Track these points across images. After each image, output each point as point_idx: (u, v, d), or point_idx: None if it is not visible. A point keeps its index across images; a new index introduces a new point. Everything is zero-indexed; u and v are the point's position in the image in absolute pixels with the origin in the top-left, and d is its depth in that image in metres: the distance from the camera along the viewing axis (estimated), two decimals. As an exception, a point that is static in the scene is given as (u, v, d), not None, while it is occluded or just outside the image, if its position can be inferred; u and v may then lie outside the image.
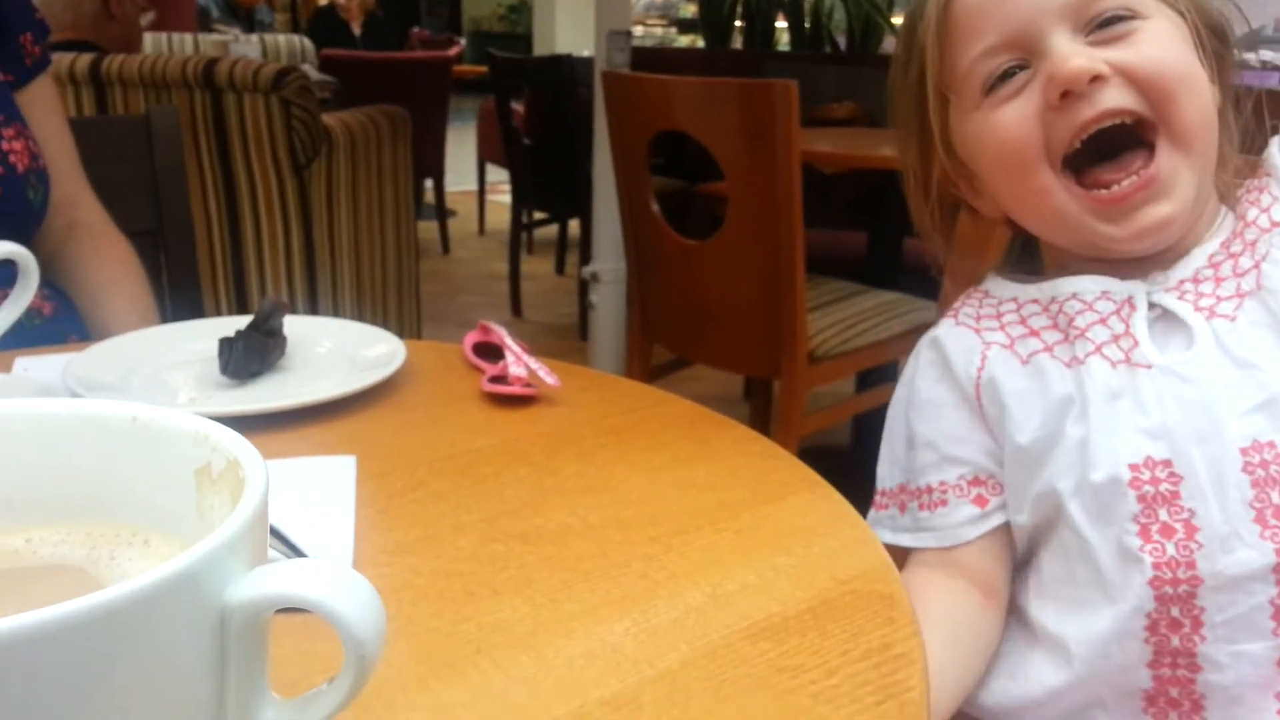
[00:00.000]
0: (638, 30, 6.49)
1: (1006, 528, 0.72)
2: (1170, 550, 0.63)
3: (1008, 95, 0.66)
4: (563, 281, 4.35)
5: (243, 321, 0.78)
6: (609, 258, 2.72)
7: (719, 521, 0.57)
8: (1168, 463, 0.63)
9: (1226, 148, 0.70)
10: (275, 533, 0.48)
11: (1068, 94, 0.63)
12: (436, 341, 0.89)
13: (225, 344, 0.74)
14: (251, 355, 0.75)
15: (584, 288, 2.96)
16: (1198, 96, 0.65)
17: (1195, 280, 0.67)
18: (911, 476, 0.74)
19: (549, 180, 3.71)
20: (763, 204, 1.71)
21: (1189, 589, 0.62)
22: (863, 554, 0.54)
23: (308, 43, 4.55)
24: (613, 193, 2.09)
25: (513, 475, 0.62)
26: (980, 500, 0.72)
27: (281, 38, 4.50)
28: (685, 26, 6.56)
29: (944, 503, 0.72)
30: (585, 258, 3.01)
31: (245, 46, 3.97)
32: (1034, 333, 0.70)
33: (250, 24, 5.65)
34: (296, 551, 0.49)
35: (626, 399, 0.76)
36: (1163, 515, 0.63)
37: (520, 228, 3.92)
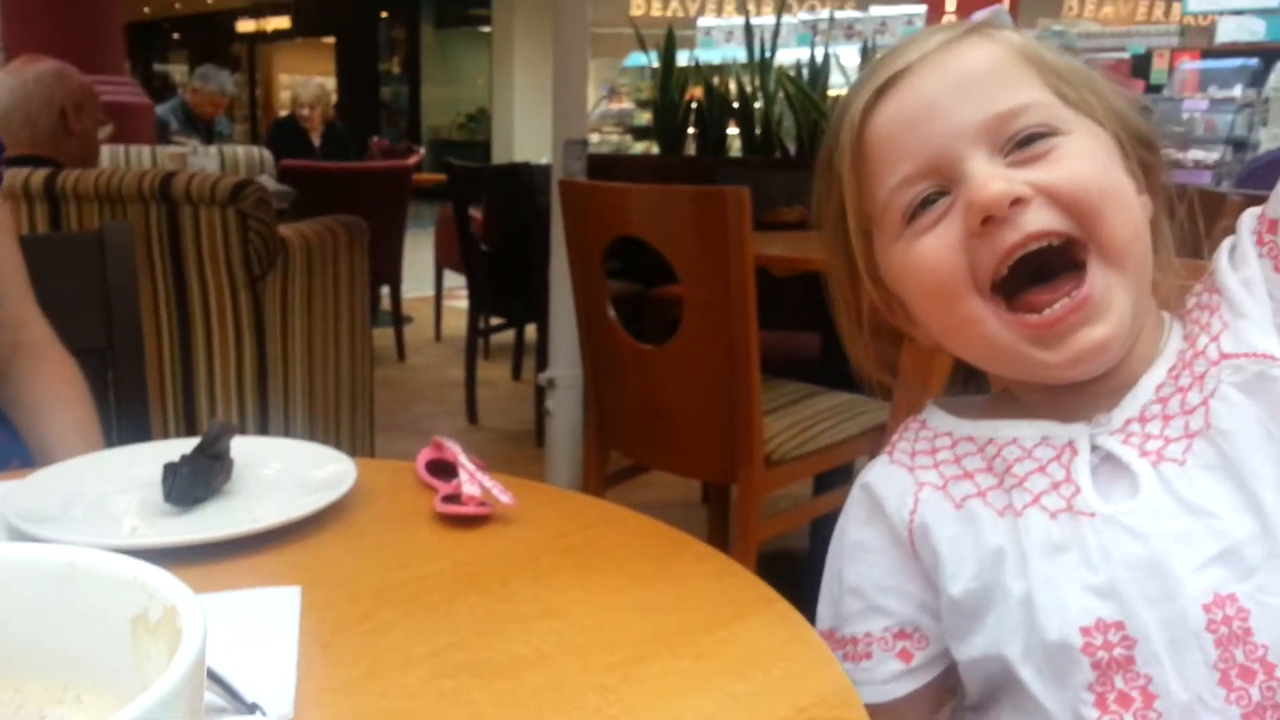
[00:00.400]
0: (594, 137, 6.63)
1: (931, 689, 0.69)
2: None
3: (929, 224, 0.63)
4: (519, 387, 4.33)
5: (189, 444, 0.76)
6: (565, 363, 2.72)
7: (676, 646, 0.56)
8: (1120, 625, 0.59)
9: (1165, 254, 0.68)
10: (213, 675, 0.46)
11: (989, 219, 0.60)
12: (389, 459, 0.87)
13: (169, 470, 0.73)
14: (196, 481, 0.73)
15: (540, 394, 2.96)
16: (1126, 210, 0.62)
17: (1142, 419, 0.63)
18: (840, 623, 0.71)
19: (506, 286, 3.73)
20: (718, 308, 1.73)
21: None
22: (822, 678, 0.53)
23: (266, 153, 4.58)
24: (569, 298, 2.11)
25: (464, 602, 0.61)
26: (905, 655, 0.69)
27: (240, 149, 4.54)
28: (640, 134, 6.72)
29: (868, 655, 0.69)
30: (542, 363, 3.01)
31: (203, 158, 3.99)
32: (968, 475, 0.67)
33: (209, 135, 5.68)
34: (234, 696, 0.47)
35: (582, 515, 0.75)
36: (1118, 683, 0.59)
37: (477, 334, 3.92)
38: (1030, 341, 0.62)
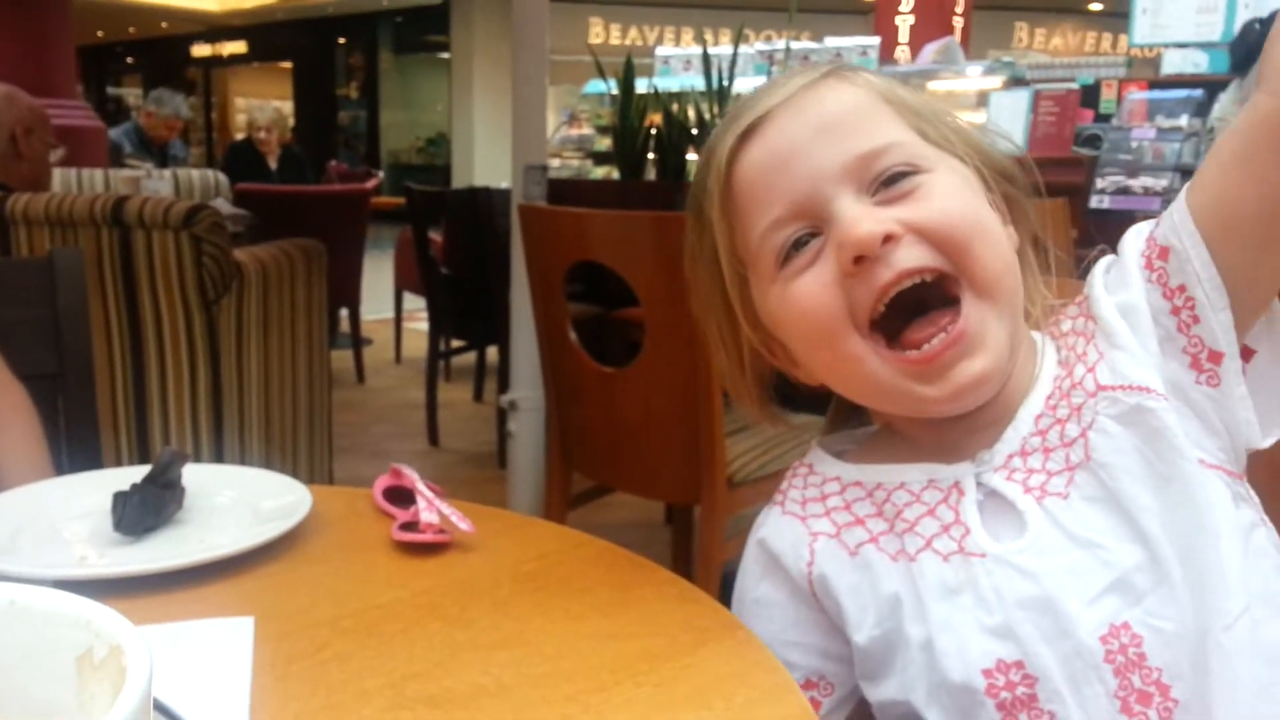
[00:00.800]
0: (554, 162, 6.64)
1: None
2: None
3: (803, 265, 0.63)
4: (481, 409, 4.30)
5: (140, 472, 0.75)
6: (527, 385, 2.71)
7: (638, 675, 0.55)
8: (1020, 664, 0.60)
9: (1032, 280, 0.68)
10: (163, 708, 0.45)
11: (862, 259, 0.60)
12: (347, 485, 0.86)
13: (119, 498, 0.71)
14: (146, 510, 0.71)
15: (502, 416, 2.94)
16: (994, 243, 0.62)
17: (1023, 453, 0.63)
18: None
19: (467, 308, 3.71)
20: (679, 331, 1.73)
21: None
22: (784, 704, 0.53)
23: (222, 177, 4.53)
24: (530, 321, 2.10)
25: (422, 632, 0.60)
26: (814, 703, 0.69)
27: (195, 173, 4.47)
28: (600, 159, 6.74)
29: None
30: (503, 385, 3.00)
31: (157, 182, 3.94)
32: (859, 521, 0.67)
33: (163, 159, 5.61)
34: (185, 732, 0.45)
35: (543, 542, 0.75)
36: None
37: (438, 355, 3.89)
38: (911, 377, 0.62)
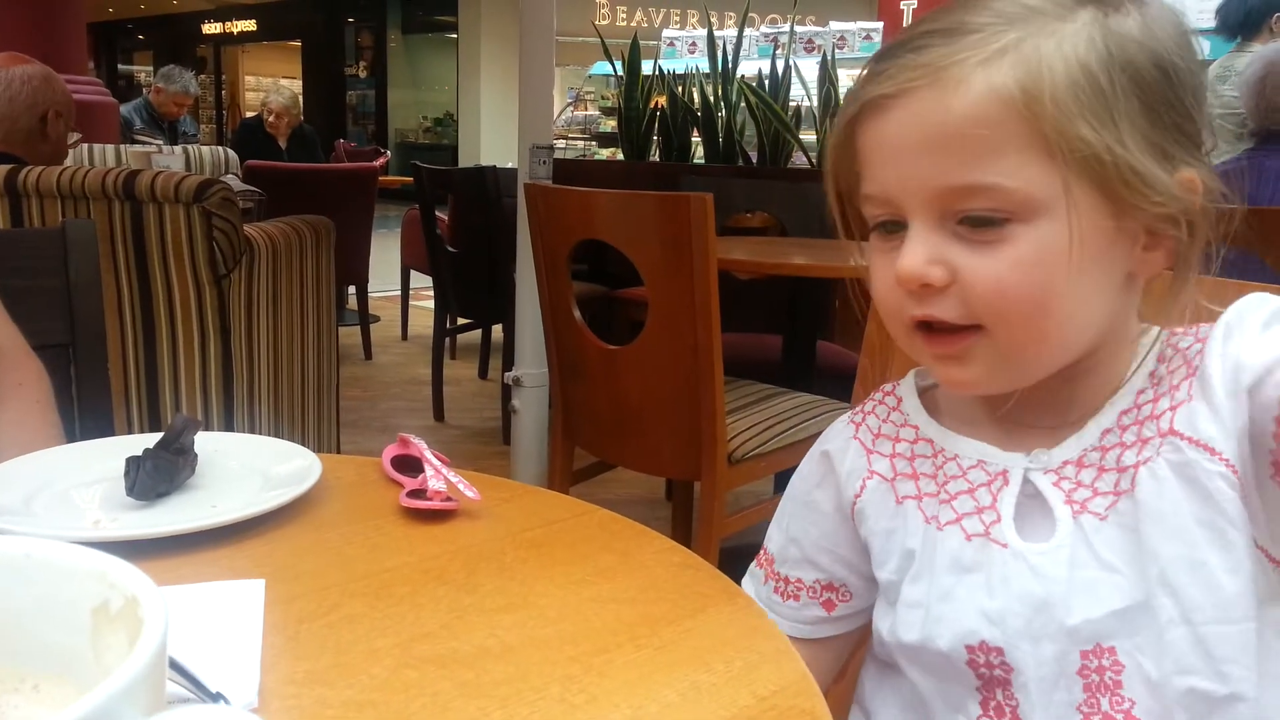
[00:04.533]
0: (559, 143, 6.62)
1: (849, 637, 0.77)
2: None
3: (885, 248, 0.64)
4: (486, 386, 4.33)
5: (153, 439, 0.76)
6: (531, 363, 2.73)
7: (640, 638, 0.57)
8: (1000, 650, 0.62)
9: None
10: (177, 666, 0.46)
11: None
12: (354, 455, 0.88)
13: (132, 464, 0.72)
14: (159, 475, 0.73)
15: (507, 392, 2.96)
16: (1036, 319, 0.59)
17: (1079, 464, 0.63)
18: (780, 558, 0.78)
19: (473, 286, 3.72)
20: (682, 309, 1.74)
21: None
22: (782, 668, 0.54)
23: (232, 154, 4.53)
24: (535, 299, 2.11)
25: (429, 595, 0.61)
26: (829, 604, 0.76)
27: (206, 149, 4.48)
28: (605, 140, 6.73)
29: (796, 597, 0.77)
30: (508, 362, 3.01)
31: (169, 158, 3.94)
32: (914, 476, 0.70)
33: (173, 135, 5.62)
34: (198, 685, 0.47)
35: (547, 510, 0.76)
36: (999, 695, 0.63)
37: (444, 333, 3.91)
38: (939, 361, 0.64)
